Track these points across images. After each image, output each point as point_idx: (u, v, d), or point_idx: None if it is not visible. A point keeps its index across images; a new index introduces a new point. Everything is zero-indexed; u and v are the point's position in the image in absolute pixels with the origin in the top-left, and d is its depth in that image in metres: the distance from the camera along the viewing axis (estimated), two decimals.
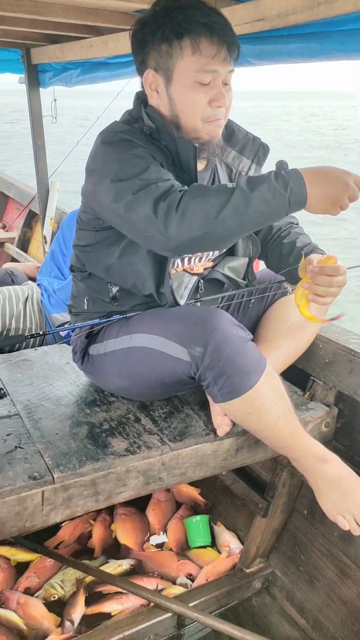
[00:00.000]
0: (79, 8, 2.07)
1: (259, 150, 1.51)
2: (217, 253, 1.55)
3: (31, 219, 4.13)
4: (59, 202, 3.61)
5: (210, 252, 1.53)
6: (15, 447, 1.35)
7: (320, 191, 1.15)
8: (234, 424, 1.44)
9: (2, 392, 1.59)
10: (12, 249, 4.06)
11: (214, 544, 1.95)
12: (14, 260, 3.96)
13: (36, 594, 1.72)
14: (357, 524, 1.38)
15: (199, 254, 1.50)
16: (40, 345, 2.31)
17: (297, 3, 1.48)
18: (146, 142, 1.34)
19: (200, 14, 1.26)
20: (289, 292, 1.60)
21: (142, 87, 1.39)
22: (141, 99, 1.41)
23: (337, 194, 1.15)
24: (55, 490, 1.26)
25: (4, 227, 4.35)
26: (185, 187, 1.24)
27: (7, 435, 1.40)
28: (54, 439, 1.39)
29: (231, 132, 1.48)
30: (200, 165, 1.44)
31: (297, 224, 1.66)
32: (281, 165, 1.19)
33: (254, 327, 1.64)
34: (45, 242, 3.59)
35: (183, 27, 1.25)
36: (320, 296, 1.31)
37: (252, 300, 1.65)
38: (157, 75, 1.32)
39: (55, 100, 3.21)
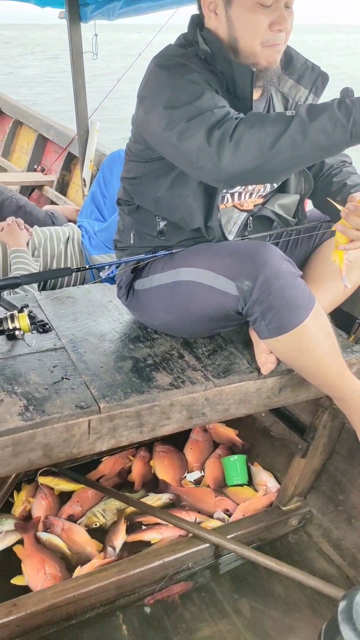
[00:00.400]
0: None
1: (318, 79, 1.43)
2: (268, 189, 1.50)
3: (70, 162, 4.08)
4: (98, 144, 3.55)
5: (261, 189, 1.48)
6: (62, 378, 1.38)
7: None
8: (278, 363, 1.43)
9: (47, 326, 1.61)
10: (51, 192, 4.04)
11: (250, 483, 1.98)
12: (52, 203, 3.95)
13: (79, 522, 1.79)
14: None
15: (250, 190, 1.46)
16: (82, 283, 2.33)
17: None
18: (201, 66, 1.29)
19: None
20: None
21: (199, 8, 1.33)
22: (197, 21, 1.35)
23: None
24: (101, 420, 1.29)
25: (42, 170, 4.33)
26: (241, 115, 1.19)
27: (54, 366, 1.42)
28: (99, 372, 1.41)
29: (289, 59, 1.40)
30: (256, 94, 1.37)
31: (350, 162, 1.59)
32: (346, 93, 1.12)
33: (301, 267, 1.60)
34: (85, 184, 3.56)
35: None
36: (352, 241, 1.26)
37: (301, 240, 1.61)
38: None
39: (96, 35, 3.11)
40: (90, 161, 3.54)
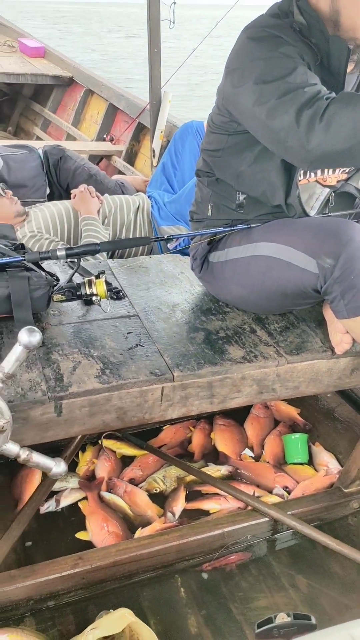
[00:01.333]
0: None
1: None
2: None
3: (139, 132, 4.08)
4: (169, 115, 3.52)
5: None
6: (136, 344, 1.40)
7: None
8: (353, 343, 1.41)
9: (121, 293, 1.64)
10: (120, 162, 4.06)
11: (310, 463, 1.97)
12: (120, 173, 3.97)
13: (139, 486, 1.84)
14: None
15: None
16: (150, 254, 2.34)
17: None
18: (295, 39, 1.24)
19: None
20: None
21: None
22: None
23: None
24: (174, 388, 1.31)
25: (112, 140, 4.34)
26: (333, 94, 1.15)
27: (128, 333, 1.45)
28: (173, 341, 1.43)
29: None
30: (349, 67, 1.32)
31: None
32: None
33: None
34: (154, 155, 3.55)
35: None
36: None
37: None
38: None
39: (175, 2, 3.05)
40: (161, 132, 3.53)
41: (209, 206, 1.51)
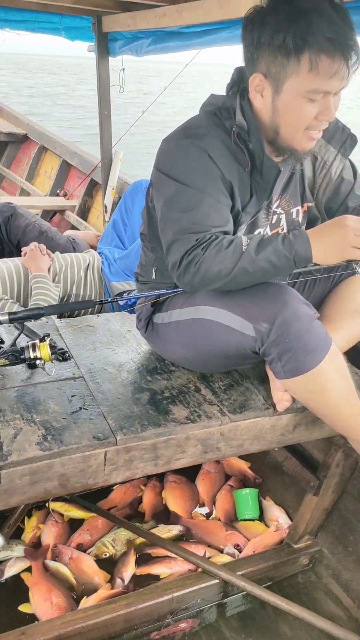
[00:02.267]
0: None
1: (347, 140, 1.47)
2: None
3: (92, 188, 4.17)
4: (121, 172, 3.63)
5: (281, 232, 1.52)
6: (80, 407, 1.40)
7: (325, 246, 1.22)
8: (293, 400, 1.45)
9: (67, 354, 1.63)
10: (73, 217, 4.12)
11: (261, 518, 1.98)
12: (73, 228, 4.03)
13: (88, 551, 1.80)
14: None
15: (268, 232, 1.49)
16: (100, 312, 2.36)
17: None
18: (222, 153, 1.30)
19: (327, 26, 1.14)
20: (357, 271, 1.57)
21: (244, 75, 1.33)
22: (240, 88, 1.34)
23: (340, 240, 1.21)
24: (117, 452, 1.31)
25: (65, 195, 4.42)
26: (214, 237, 1.26)
27: (72, 396, 1.45)
28: (117, 403, 1.43)
29: None
30: (280, 159, 1.40)
31: None
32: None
33: (319, 305, 1.62)
34: (106, 211, 3.63)
35: (305, 41, 1.15)
36: None
37: (319, 279, 1.63)
38: (265, 81, 1.25)
39: (123, 69, 3.20)
40: (113, 188, 3.62)
41: (153, 270, 1.55)
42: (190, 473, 2.09)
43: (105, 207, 3.67)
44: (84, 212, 4.21)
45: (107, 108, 3.40)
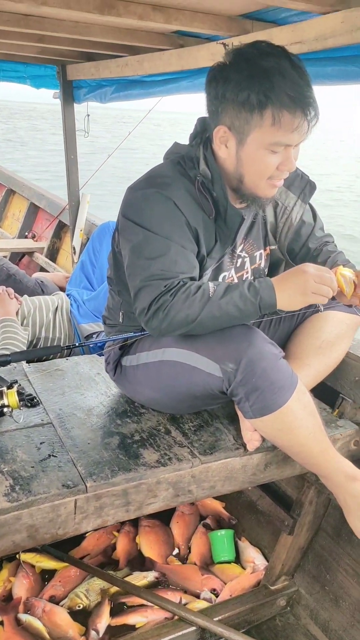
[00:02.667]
0: (118, 28, 2.12)
1: (306, 187, 1.54)
2: (250, 275, 1.57)
3: (60, 230, 4.20)
4: (88, 214, 3.67)
5: (249, 276, 1.55)
6: (49, 455, 1.38)
7: (288, 293, 1.26)
8: (263, 439, 1.45)
9: (35, 400, 1.62)
10: (41, 259, 4.13)
11: (238, 559, 1.95)
12: (42, 269, 4.03)
13: (61, 603, 1.74)
14: None
15: (233, 275, 1.52)
16: (69, 355, 2.35)
17: (336, 27, 1.51)
18: (187, 200, 1.34)
19: (289, 84, 1.21)
20: (321, 310, 1.61)
21: (207, 125, 1.38)
22: (203, 138, 1.39)
23: (301, 287, 1.25)
24: (87, 499, 1.29)
25: (33, 237, 4.43)
26: (182, 283, 1.30)
27: (41, 443, 1.43)
28: (87, 448, 1.42)
29: None
30: (243, 205, 1.45)
31: (331, 241, 1.67)
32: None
33: (284, 343, 1.65)
34: (74, 252, 3.65)
35: (268, 98, 1.21)
36: None
37: (284, 317, 1.66)
38: (229, 133, 1.30)
39: (88, 115, 3.28)
40: (81, 230, 3.65)
41: (120, 313, 1.56)
42: (164, 516, 2.06)
43: (74, 248, 3.69)
44: (52, 254, 4.22)
45: (73, 152, 3.46)
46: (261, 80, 1.22)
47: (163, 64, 2.29)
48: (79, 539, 1.96)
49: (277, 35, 1.70)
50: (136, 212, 1.36)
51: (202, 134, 1.40)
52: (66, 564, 1.85)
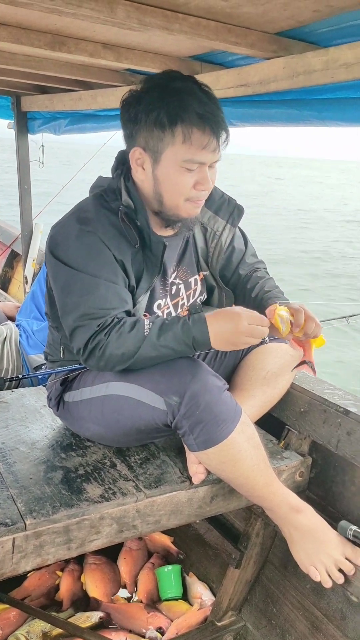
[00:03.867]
0: (71, 64, 2.16)
1: (234, 211, 1.58)
2: (186, 304, 1.59)
3: (13, 259, 4.16)
4: (41, 243, 3.66)
5: (186, 303, 1.57)
6: None
7: (221, 335, 1.29)
8: (209, 472, 1.45)
9: None
10: None
11: (185, 594, 1.91)
12: None
13: None
14: (329, 575, 1.38)
15: (168, 302, 1.53)
16: (17, 387, 2.30)
17: (278, 72, 1.58)
18: (111, 234, 1.36)
19: (197, 103, 1.27)
20: (266, 341, 1.64)
21: (127, 157, 1.40)
22: (123, 171, 1.42)
23: (234, 329, 1.27)
24: (26, 538, 1.24)
25: None
26: (116, 320, 1.32)
27: None
28: (28, 484, 1.38)
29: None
30: (173, 231, 1.48)
31: (262, 267, 1.71)
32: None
33: (230, 375, 1.66)
34: (27, 282, 3.62)
35: (178, 115, 1.26)
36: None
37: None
38: (144, 154, 1.34)
39: (42, 146, 3.30)
40: (33, 260, 3.63)
41: (61, 348, 1.55)
42: (111, 552, 2.01)
43: (26, 278, 3.65)
44: (4, 283, 4.17)
45: (26, 182, 3.47)
46: (171, 99, 1.27)
47: (116, 99, 2.33)
48: (20, 579, 1.89)
49: (223, 78, 1.77)
50: (62, 250, 1.37)
51: (122, 165, 1.43)
52: (6, 606, 1.77)
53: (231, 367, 1.69)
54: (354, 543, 1.43)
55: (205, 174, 1.33)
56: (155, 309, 1.49)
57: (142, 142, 1.33)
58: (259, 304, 1.55)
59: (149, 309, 1.47)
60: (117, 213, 1.38)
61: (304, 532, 1.40)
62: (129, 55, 1.83)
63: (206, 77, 1.83)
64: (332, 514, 1.61)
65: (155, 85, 1.31)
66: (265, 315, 1.34)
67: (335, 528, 1.45)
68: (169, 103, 1.27)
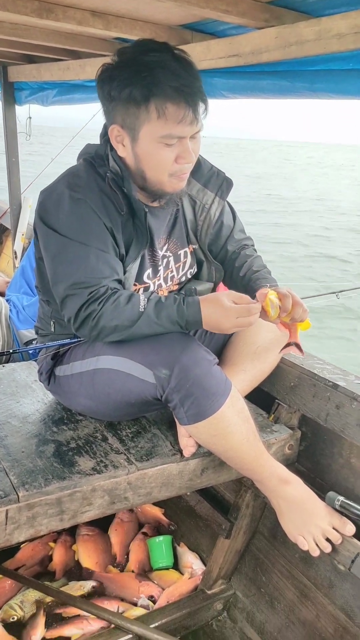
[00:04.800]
0: (59, 32, 2.11)
1: (223, 184, 1.56)
2: (182, 278, 1.59)
3: (2, 234, 4.12)
4: (30, 217, 3.61)
5: (175, 276, 1.57)
6: None
7: (211, 317, 1.29)
8: (199, 445, 1.47)
9: None
10: None
11: (176, 564, 1.95)
12: None
13: None
14: (317, 545, 1.41)
15: (160, 274, 1.53)
16: (7, 362, 2.30)
17: (270, 42, 1.55)
18: (99, 201, 1.34)
19: (170, 76, 1.23)
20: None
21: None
22: (108, 135, 1.38)
23: (222, 314, 1.28)
24: (19, 509, 1.26)
25: None
26: (110, 291, 1.31)
27: None
28: (20, 457, 1.39)
29: (197, 165, 1.49)
30: (160, 203, 1.46)
31: (250, 245, 1.70)
32: (189, 292, 1.36)
33: (220, 350, 1.67)
34: (16, 257, 3.58)
35: (150, 91, 1.23)
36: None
37: None
38: (122, 131, 1.31)
39: (30, 118, 3.24)
40: (22, 234, 3.59)
41: (51, 322, 1.54)
42: (103, 523, 2.04)
43: (15, 253, 3.62)
44: None
45: (14, 155, 3.41)
46: (143, 74, 1.24)
47: None
48: (13, 550, 1.92)
49: (214, 47, 1.73)
50: (53, 218, 1.35)
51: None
52: (0, 576, 1.80)
53: (221, 342, 1.69)
54: (341, 513, 1.46)
55: (185, 147, 1.31)
56: (145, 278, 1.49)
57: (119, 119, 1.30)
58: (247, 284, 1.55)
59: (138, 279, 1.46)
60: (104, 179, 1.37)
61: (293, 503, 1.43)
62: (118, 24, 1.78)
63: (197, 47, 1.79)
64: (321, 485, 1.64)
65: (128, 60, 1.27)
66: (255, 298, 1.34)
67: (323, 499, 1.48)
68: (141, 78, 1.23)
